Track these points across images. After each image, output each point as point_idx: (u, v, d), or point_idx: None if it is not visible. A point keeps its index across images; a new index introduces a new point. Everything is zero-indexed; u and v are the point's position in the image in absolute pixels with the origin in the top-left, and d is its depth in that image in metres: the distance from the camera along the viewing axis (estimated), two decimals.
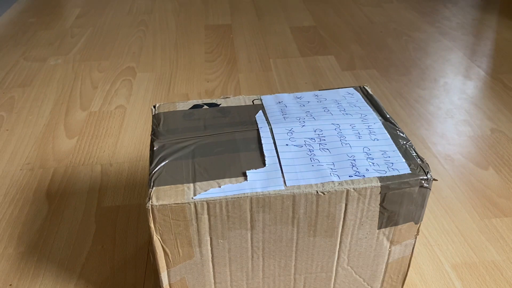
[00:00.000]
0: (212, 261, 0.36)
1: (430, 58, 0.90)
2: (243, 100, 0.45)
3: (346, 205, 0.35)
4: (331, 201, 0.34)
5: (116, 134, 0.68)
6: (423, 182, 0.34)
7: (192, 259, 0.36)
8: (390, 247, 0.38)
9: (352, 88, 0.47)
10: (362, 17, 1.10)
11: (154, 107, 0.44)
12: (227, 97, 0.45)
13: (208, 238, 0.35)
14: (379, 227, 0.37)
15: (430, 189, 0.35)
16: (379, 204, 0.35)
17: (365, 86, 0.47)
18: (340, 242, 0.37)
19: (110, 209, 0.54)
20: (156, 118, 0.42)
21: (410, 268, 0.46)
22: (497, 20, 1.09)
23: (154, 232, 0.33)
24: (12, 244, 0.50)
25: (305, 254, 0.38)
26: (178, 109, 0.43)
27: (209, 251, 0.35)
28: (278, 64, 0.88)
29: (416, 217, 0.37)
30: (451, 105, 0.74)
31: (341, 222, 0.36)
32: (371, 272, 0.40)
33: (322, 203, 0.34)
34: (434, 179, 0.35)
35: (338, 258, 0.38)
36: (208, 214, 0.33)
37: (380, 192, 0.34)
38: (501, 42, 0.98)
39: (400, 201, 0.35)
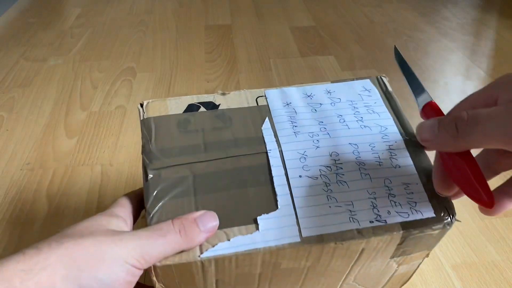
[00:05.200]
0: None
1: (430, 58, 0.90)
2: (245, 98, 0.38)
3: (363, 249, 0.32)
4: (349, 249, 0.32)
5: (116, 134, 0.68)
6: (446, 225, 0.32)
7: None
8: (398, 267, 0.37)
9: (368, 81, 0.40)
10: (362, 17, 1.10)
11: (142, 106, 0.37)
12: (225, 93, 0.38)
13: (214, 280, 0.32)
14: (392, 257, 0.35)
15: (451, 227, 0.32)
16: (397, 245, 0.33)
17: (382, 77, 0.41)
18: (350, 271, 0.36)
19: None
20: (146, 127, 0.36)
21: None
22: (497, 20, 1.09)
23: (157, 282, 0.31)
24: (12, 244, 0.50)
25: (313, 282, 0.36)
26: (170, 113, 0.36)
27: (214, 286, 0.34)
28: (278, 64, 0.88)
29: (430, 247, 0.35)
30: (452, 105, 0.74)
31: (354, 261, 0.34)
32: (374, 283, 0.39)
33: (339, 250, 0.32)
34: (457, 220, 0.32)
35: (345, 279, 0.37)
36: (216, 266, 0.30)
37: (400, 237, 0.32)
38: (501, 42, 0.98)
39: (419, 241, 0.33)
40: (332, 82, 0.39)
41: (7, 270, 0.23)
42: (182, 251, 0.29)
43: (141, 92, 0.79)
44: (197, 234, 0.29)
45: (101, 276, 0.25)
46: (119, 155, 0.63)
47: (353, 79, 0.39)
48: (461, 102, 0.32)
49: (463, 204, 0.54)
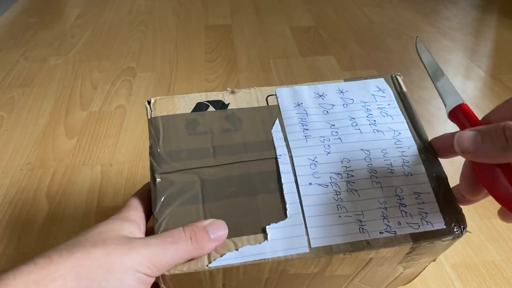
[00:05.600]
0: None
1: None
2: (254, 97, 0.36)
3: (371, 258, 0.32)
4: (357, 258, 0.32)
5: (116, 134, 0.68)
6: (456, 237, 0.31)
7: None
8: (404, 270, 0.37)
9: (382, 80, 0.38)
10: (362, 17, 1.10)
11: (149, 103, 0.35)
12: (234, 91, 0.37)
13: (221, 284, 0.33)
14: (399, 263, 0.35)
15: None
16: (406, 254, 0.32)
17: (397, 76, 0.39)
18: (356, 275, 0.36)
19: (110, 209, 0.54)
20: (154, 127, 0.34)
21: None
22: (497, 20, 1.09)
23: (164, 286, 0.31)
24: (12, 244, 0.50)
25: (319, 284, 0.36)
26: (178, 112, 0.35)
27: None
28: (278, 64, 0.88)
29: (438, 254, 0.35)
30: None
31: (362, 267, 0.34)
32: (379, 283, 0.39)
33: (348, 259, 0.31)
34: (468, 231, 0.32)
35: (350, 281, 0.37)
36: (224, 274, 0.30)
37: (409, 248, 0.31)
38: (501, 42, 0.98)
39: (428, 250, 0.33)
40: (345, 80, 0.38)
41: (19, 281, 0.23)
42: (191, 259, 0.29)
43: (141, 92, 0.79)
44: (208, 242, 0.29)
45: (112, 287, 0.25)
46: (119, 155, 0.63)
47: (366, 78, 0.38)
48: (498, 108, 0.30)
49: None
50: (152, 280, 0.27)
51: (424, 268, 0.39)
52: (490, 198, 0.59)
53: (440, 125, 0.68)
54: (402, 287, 0.44)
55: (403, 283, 0.43)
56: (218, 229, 0.29)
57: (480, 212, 0.53)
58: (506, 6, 1.17)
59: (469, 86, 0.79)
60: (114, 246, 0.26)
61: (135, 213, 0.31)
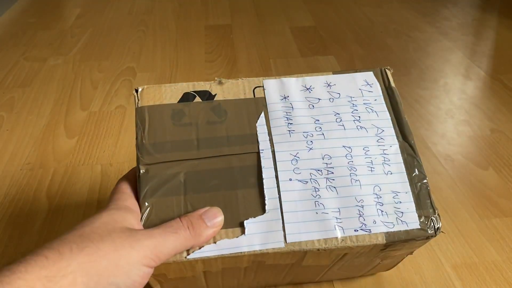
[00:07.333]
0: (204, 278, 0.36)
1: (430, 58, 0.90)
2: (242, 88, 0.36)
3: (345, 254, 0.33)
4: (331, 254, 0.33)
5: (116, 134, 0.68)
6: (430, 237, 0.32)
7: (185, 278, 0.35)
8: (381, 261, 0.38)
9: (371, 73, 0.38)
10: (362, 17, 1.10)
11: (137, 92, 0.35)
12: (222, 82, 0.36)
13: (202, 272, 0.34)
14: (375, 256, 0.36)
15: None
16: (380, 250, 0.33)
17: (386, 70, 0.38)
18: (333, 265, 0.37)
19: None
20: (140, 116, 0.34)
21: (410, 268, 0.46)
22: (497, 20, 1.09)
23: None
24: (12, 244, 0.50)
25: (297, 273, 0.38)
26: (165, 102, 0.35)
27: (202, 276, 0.35)
28: (278, 64, 0.88)
29: (414, 249, 0.36)
30: (451, 105, 0.74)
31: (338, 260, 0.35)
32: (357, 271, 0.41)
33: (322, 255, 0.33)
34: (442, 232, 0.32)
35: (328, 270, 0.38)
36: (203, 263, 0.32)
37: (383, 245, 0.32)
38: (501, 42, 0.98)
39: (402, 247, 0.33)
40: (334, 72, 0.38)
41: (31, 275, 0.24)
42: (191, 248, 0.30)
43: None
44: (204, 229, 0.30)
45: (119, 282, 0.26)
46: (119, 155, 0.63)
47: (355, 71, 0.38)
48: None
49: (463, 204, 0.54)
50: (152, 271, 0.28)
51: (402, 259, 0.39)
52: (490, 198, 0.59)
53: (440, 125, 0.68)
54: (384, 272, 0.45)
55: (384, 270, 0.43)
56: (214, 216, 0.31)
57: (480, 212, 0.53)
58: (506, 6, 1.17)
59: (469, 86, 0.79)
60: (121, 240, 0.27)
61: (132, 201, 0.32)
